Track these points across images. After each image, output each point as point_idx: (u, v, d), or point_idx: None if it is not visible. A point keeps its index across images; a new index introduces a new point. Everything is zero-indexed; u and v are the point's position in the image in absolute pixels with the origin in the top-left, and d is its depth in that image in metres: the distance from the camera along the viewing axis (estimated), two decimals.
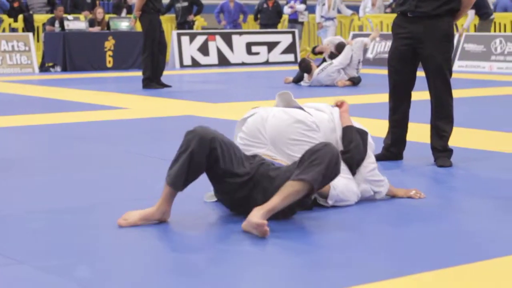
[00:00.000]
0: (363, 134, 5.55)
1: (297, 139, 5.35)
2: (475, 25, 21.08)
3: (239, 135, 5.47)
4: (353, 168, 5.45)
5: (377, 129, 7.65)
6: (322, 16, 23.39)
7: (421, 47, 6.90)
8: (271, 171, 5.03)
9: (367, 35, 17.31)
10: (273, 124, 5.38)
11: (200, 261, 4.25)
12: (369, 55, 21.46)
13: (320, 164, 4.73)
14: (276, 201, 4.76)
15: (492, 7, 21.29)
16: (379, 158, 6.64)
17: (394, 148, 7.07)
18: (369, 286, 3.76)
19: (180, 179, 4.88)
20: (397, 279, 3.85)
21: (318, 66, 15.20)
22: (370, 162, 5.54)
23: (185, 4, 22.58)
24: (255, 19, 24.33)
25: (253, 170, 5.03)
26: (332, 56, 15.47)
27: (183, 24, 22.57)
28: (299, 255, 4.38)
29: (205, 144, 4.84)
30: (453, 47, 7.06)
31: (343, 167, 5.20)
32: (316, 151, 4.79)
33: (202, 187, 5.31)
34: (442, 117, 6.95)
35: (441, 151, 6.87)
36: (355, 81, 15.18)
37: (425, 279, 3.88)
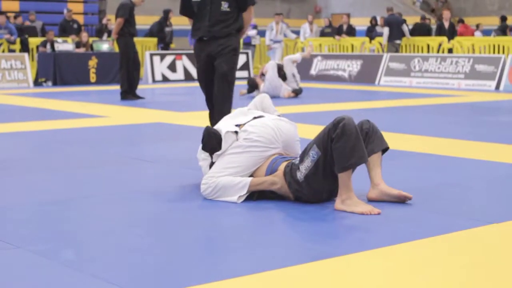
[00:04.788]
0: None
1: (297, 139, 5.65)
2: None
3: (254, 144, 5.37)
4: None
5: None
6: (271, 39, 23.54)
7: (213, 61, 7.05)
8: None
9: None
10: (286, 131, 5.54)
11: (180, 245, 4.22)
12: (312, 71, 21.56)
13: (378, 131, 5.25)
14: (380, 173, 5.25)
15: (408, 32, 21.81)
16: None
17: None
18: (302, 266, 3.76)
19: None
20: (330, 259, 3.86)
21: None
22: None
23: (171, 28, 22.97)
24: None
25: None
26: (279, 75, 15.54)
27: (169, 44, 22.86)
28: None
29: None
30: (238, 59, 7.22)
31: None
32: (371, 127, 5.20)
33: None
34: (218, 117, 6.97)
35: None
36: (297, 92, 15.32)
37: (358, 259, 3.88)
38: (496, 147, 8.01)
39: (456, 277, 3.58)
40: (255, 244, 4.24)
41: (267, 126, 5.49)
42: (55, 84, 19.29)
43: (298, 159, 5.23)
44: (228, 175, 5.33)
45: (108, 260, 3.90)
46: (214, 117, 7.05)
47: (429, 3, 34.65)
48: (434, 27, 23.73)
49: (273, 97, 14.99)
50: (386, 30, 21.76)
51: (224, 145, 5.41)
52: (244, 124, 5.56)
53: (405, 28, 21.71)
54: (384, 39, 21.93)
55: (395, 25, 21.59)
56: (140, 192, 5.70)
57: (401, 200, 5.19)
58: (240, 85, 18.03)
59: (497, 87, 17.70)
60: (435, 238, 4.27)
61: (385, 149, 5.33)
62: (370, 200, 5.24)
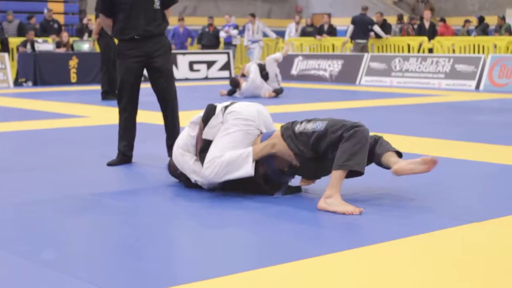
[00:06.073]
0: None
1: (273, 124, 5.76)
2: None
3: (248, 123, 5.46)
4: None
5: None
6: (249, 40, 23.53)
7: (153, 61, 7.03)
8: None
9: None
10: (267, 114, 5.70)
11: (162, 247, 4.22)
12: (293, 71, 21.59)
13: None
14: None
15: (382, 33, 21.92)
16: (113, 163, 6.88)
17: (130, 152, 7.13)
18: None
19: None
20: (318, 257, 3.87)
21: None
22: None
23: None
24: (199, 42, 24.34)
25: None
26: (261, 76, 15.52)
27: None
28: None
29: None
30: None
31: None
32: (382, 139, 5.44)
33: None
34: (172, 120, 7.19)
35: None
36: (278, 92, 15.33)
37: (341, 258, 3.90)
38: (477, 146, 8.05)
39: (436, 275, 3.59)
40: (237, 244, 4.24)
41: (251, 109, 5.58)
42: (35, 84, 19.22)
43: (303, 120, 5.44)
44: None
45: (90, 261, 3.89)
46: (169, 117, 7.17)
47: (409, 2, 34.75)
48: (397, 26, 23.83)
49: (254, 97, 15.02)
50: (350, 28, 22.06)
51: (213, 120, 5.48)
52: (224, 108, 5.62)
53: (377, 29, 21.81)
54: (346, 37, 22.17)
55: (360, 24, 21.81)
56: (122, 192, 5.69)
57: (430, 164, 5.15)
58: (222, 85, 18.05)
59: (477, 86, 17.79)
60: (417, 237, 4.29)
61: (399, 154, 5.35)
62: (398, 173, 5.21)
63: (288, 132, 5.34)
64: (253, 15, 23.91)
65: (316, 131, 5.19)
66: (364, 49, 21.68)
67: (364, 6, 23.36)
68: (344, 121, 5.19)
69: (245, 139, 5.41)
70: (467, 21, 24.16)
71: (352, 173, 5.14)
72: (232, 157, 5.28)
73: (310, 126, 5.26)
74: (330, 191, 5.00)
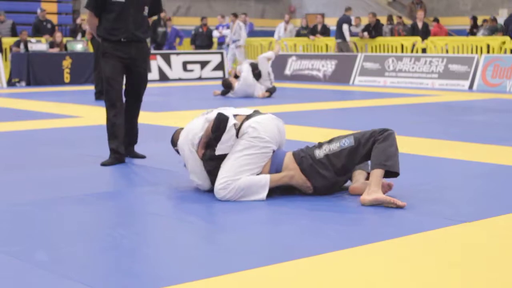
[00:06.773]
0: None
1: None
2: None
3: (268, 145, 5.45)
4: None
5: (296, 133, 7.63)
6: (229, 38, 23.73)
7: (135, 65, 7.17)
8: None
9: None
10: (283, 130, 5.68)
11: (150, 245, 4.22)
12: (287, 71, 21.61)
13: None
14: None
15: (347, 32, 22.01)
16: (107, 163, 6.90)
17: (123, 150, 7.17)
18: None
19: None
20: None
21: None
22: None
23: (164, 28, 23.02)
24: (192, 42, 24.35)
25: None
26: (253, 75, 15.51)
27: (161, 44, 23.11)
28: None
29: None
30: None
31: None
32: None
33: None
34: (135, 120, 7.48)
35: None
36: (271, 91, 15.33)
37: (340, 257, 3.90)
38: (470, 146, 8.06)
39: (428, 276, 3.60)
40: (235, 243, 4.24)
41: (272, 125, 5.57)
42: (28, 84, 19.19)
43: (316, 144, 5.50)
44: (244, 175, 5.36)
45: (82, 261, 3.89)
46: (134, 118, 7.43)
47: (403, 3, 34.79)
48: (388, 26, 23.84)
49: (247, 97, 15.02)
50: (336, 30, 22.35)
51: (225, 136, 5.39)
52: (246, 117, 5.56)
53: (344, 28, 21.89)
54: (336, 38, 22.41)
55: (338, 25, 22.01)
56: (114, 192, 5.69)
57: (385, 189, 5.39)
58: (215, 86, 18.05)
59: (471, 86, 17.82)
60: (408, 237, 4.30)
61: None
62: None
63: (308, 161, 5.38)
64: (235, 15, 23.94)
65: (346, 147, 5.30)
66: (344, 48, 21.74)
67: (347, 7, 23.42)
68: (369, 130, 5.36)
69: (260, 161, 5.43)
70: (485, 21, 24.16)
71: (387, 174, 5.26)
72: (249, 182, 5.32)
73: (334, 146, 5.35)
74: (374, 188, 5.13)
